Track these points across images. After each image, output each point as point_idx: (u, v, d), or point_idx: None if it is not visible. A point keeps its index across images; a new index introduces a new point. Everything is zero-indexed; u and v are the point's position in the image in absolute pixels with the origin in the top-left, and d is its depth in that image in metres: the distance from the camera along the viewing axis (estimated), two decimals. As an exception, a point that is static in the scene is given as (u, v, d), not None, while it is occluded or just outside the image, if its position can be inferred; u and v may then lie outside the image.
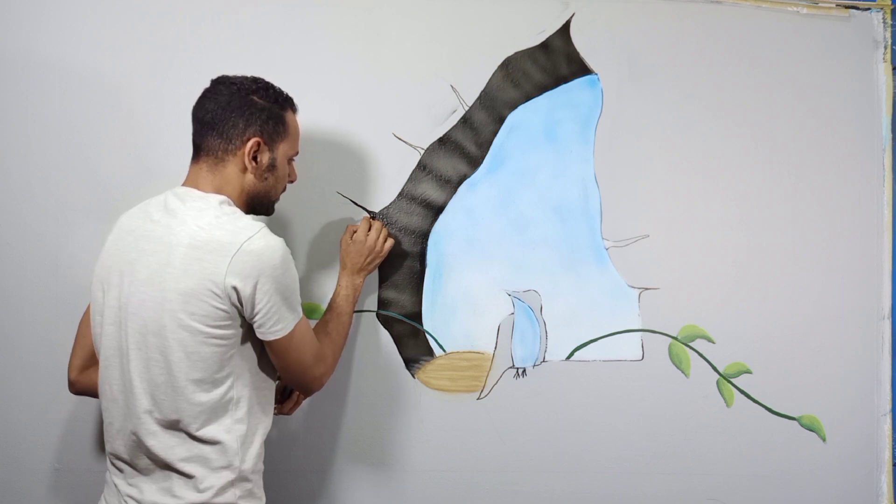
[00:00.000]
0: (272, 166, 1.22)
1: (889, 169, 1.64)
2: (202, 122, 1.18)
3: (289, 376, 1.22)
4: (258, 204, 1.24)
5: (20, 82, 1.49)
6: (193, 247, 1.09)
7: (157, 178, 1.49)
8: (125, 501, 1.15)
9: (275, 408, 1.35)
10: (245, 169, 1.18)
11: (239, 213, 1.16)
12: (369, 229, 1.43)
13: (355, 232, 1.43)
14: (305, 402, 1.50)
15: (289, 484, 1.52)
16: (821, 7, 1.64)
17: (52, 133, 1.49)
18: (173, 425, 1.12)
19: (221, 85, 1.20)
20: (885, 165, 1.64)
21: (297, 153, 1.29)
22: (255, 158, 1.18)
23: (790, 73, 1.62)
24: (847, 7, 1.64)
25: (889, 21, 1.65)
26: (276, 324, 1.14)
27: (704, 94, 1.61)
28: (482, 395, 1.57)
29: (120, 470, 1.18)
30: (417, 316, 1.56)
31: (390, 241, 1.46)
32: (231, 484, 1.13)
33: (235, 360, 1.14)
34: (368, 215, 1.49)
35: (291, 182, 1.31)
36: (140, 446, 1.14)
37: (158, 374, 1.11)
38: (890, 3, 1.65)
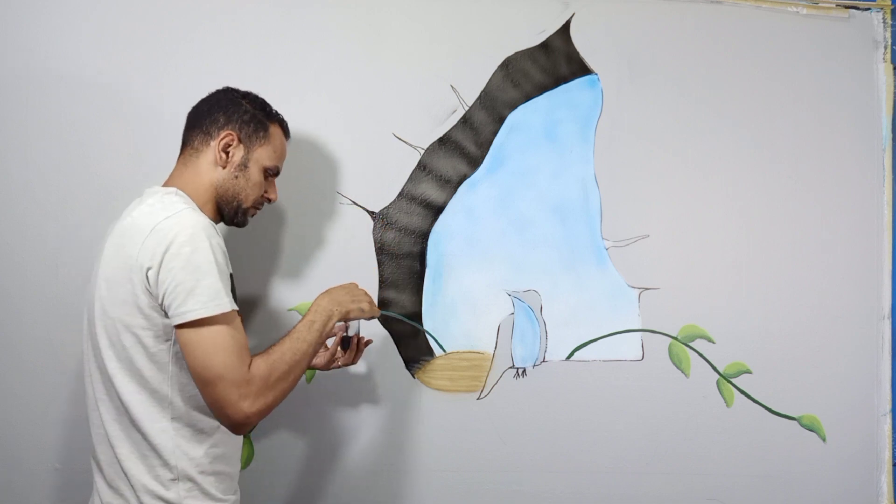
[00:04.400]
0: (244, 166, 1.20)
1: (889, 169, 1.64)
2: (190, 121, 1.21)
3: (199, 386, 1.06)
4: (226, 204, 1.20)
5: (20, 82, 1.49)
6: (120, 234, 1.10)
7: (157, 178, 1.48)
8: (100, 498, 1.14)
9: (340, 359, 1.36)
10: (216, 161, 1.18)
11: (178, 202, 1.12)
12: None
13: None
14: (305, 402, 1.50)
15: (287, 484, 1.52)
16: (821, 7, 1.64)
17: (52, 133, 1.49)
18: (120, 416, 1.10)
19: (220, 92, 1.23)
20: (885, 165, 1.64)
21: (277, 170, 1.26)
22: (226, 152, 1.18)
23: (790, 73, 1.62)
24: (847, 7, 1.64)
25: (889, 21, 1.65)
26: (179, 306, 1.03)
27: (704, 94, 1.61)
28: (482, 395, 1.57)
29: (95, 467, 1.17)
30: (417, 316, 1.55)
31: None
32: (173, 482, 1.09)
33: (166, 357, 1.08)
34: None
35: (269, 202, 1.27)
36: (102, 438, 1.13)
37: (100, 364, 1.11)
38: (890, 3, 1.65)
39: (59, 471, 1.50)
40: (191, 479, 1.10)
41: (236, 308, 1.07)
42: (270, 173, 1.25)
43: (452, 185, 1.57)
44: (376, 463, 1.54)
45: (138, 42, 1.50)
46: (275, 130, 1.24)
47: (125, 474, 1.10)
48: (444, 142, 1.57)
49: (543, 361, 1.58)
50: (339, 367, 1.39)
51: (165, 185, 1.18)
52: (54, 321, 1.48)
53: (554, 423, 1.57)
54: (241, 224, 1.25)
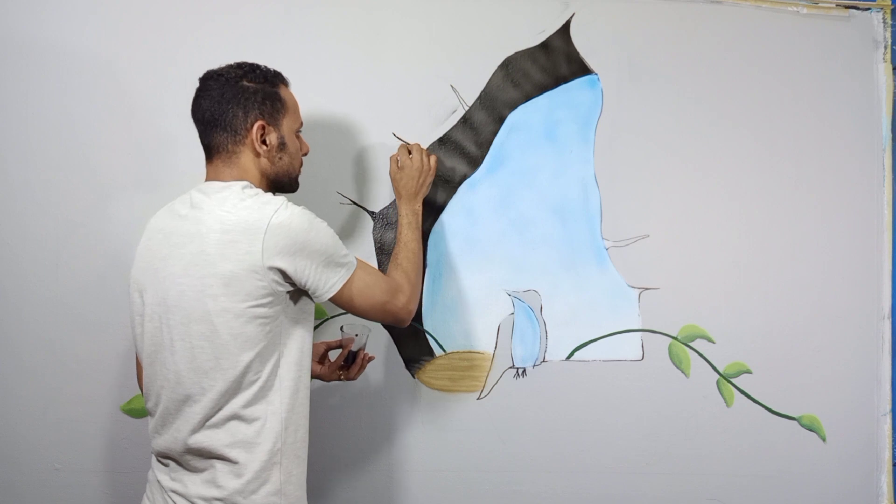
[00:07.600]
0: (282, 144, 1.22)
1: (889, 169, 1.64)
2: (203, 122, 1.19)
3: (372, 317, 1.26)
4: (281, 184, 1.25)
5: (20, 82, 1.49)
6: (224, 231, 1.10)
7: (158, 177, 1.49)
8: (169, 497, 1.15)
9: (340, 374, 1.38)
10: (258, 154, 1.19)
11: (260, 192, 1.17)
12: (409, 154, 1.45)
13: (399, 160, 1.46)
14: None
15: (289, 484, 1.52)
16: (821, 7, 1.64)
17: (52, 133, 1.49)
18: (218, 411, 1.12)
19: (210, 80, 1.20)
20: (885, 165, 1.64)
21: (301, 125, 1.29)
22: (264, 142, 1.19)
23: (790, 73, 1.62)
24: (847, 7, 1.64)
25: (889, 21, 1.65)
26: (327, 282, 1.16)
27: (704, 94, 1.61)
28: (482, 395, 1.57)
29: (165, 465, 1.18)
30: (417, 316, 1.55)
31: (434, 157, 1.48)
32: (276, 466, 1.13)
33: (279, 339, 1.15)
34: (403, 143, 1.49)
35: (305, 154, 1.30)
36: (187, 439, 1.13)
37: (206, 361, 1.11)
38: (890, 3, 1.65)
39: (58, 471, 1.50)
40: (289, 466, 1.15)
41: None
42: (299, 131, 1.28)
43: (452, 185, 1.57)
44: (376, 463, 1.55)
45: (139, 42, 1.50)
46: (284, 92, 1.24)
47: (230, 465, 1.12)
48: (444, 142, 1.57)
49: (543, 361, 1.58)
50: (341, 380, 1.39)
51: (222, 181, 1.18)
52: (54, 321, 1.48)
53: (554, 423, 1.57)
54: (295, 189, 1.29)
